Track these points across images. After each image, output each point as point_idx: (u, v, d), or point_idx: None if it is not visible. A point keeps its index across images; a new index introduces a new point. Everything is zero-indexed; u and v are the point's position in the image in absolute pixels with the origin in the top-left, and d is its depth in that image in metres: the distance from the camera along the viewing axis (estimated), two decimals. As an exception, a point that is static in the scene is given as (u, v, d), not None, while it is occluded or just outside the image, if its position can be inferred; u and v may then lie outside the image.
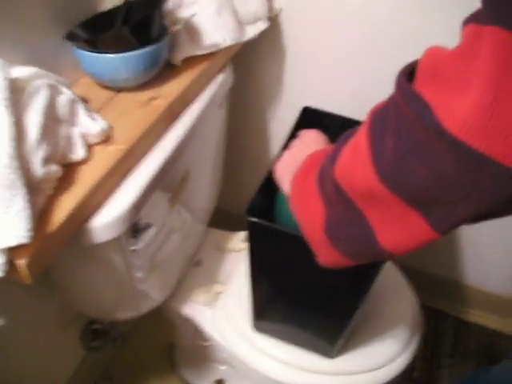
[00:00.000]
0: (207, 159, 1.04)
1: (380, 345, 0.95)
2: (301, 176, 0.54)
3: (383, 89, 1.08)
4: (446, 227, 0.39)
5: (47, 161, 0.61)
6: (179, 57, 0.85)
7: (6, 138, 0.55)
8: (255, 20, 0.98)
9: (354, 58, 1.08)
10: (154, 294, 0.95)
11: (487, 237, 1.30)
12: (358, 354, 0.94)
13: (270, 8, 1.03)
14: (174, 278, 1.02)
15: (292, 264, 0.74)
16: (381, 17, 1.00)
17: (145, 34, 0.78)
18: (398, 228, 0.41)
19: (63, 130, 0.66)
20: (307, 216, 0.52)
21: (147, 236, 0.77)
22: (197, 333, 1.06)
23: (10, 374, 0.97)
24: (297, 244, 0.61)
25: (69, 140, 0.67)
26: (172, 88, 0.83)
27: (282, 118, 1.26)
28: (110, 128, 0.73)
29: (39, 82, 0.65)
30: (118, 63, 0.76)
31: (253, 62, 1.18)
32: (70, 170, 0.66)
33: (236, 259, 1.11)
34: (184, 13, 0.87)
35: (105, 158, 0.69)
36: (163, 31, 0.81)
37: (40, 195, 0.60)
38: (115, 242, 0.70)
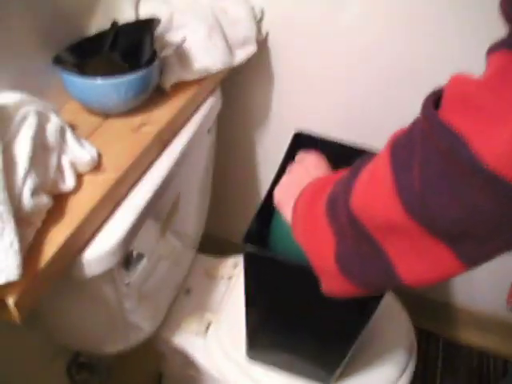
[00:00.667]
0: (196, 184, 1.02)
1: (379, 370, 0.93)
2: (305, 203, 0.52)
3: (374, 112, 1.09)
4: (477, 261, 0.38)
5: (36, 192, 0.58)
6: (169, 81, 0.84)
7: (-6, 169, 0.53)
8: (244, 43, 0.97)
9: (344, 81, 1.07)
10: (143, 324, 0.91)
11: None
12: (357, 381, 0.91)
13: (259, 31, 1.03)
14: (163, 308, 0.98)
15: (290, 292, 0.72)
16: (368, 41, 1.00)
17: (135, 59, 0.76)
18: (421, 261, 0.39)
19: (52, 159, 0.64)
20: (315, 246, 0.50)
21: (139, 267, 0.74)
22: (187, 363, 1.02)
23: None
24: (294, 273, 0.59)
25: (58, 169, 0.64)
26: (162, 114, 0.81)
27: (272, 142, 1.25)
28: (100, 156, 0.70)
29: (27, 109, 0.62)
30: (107, 88, 0.74)
31: (242, 86, 1.17)
32: (59, 200, 0.63)
33: (226, 286, 1.08)
34: (174, 36, 0.86)
35: (95, 187, 0.66)
36: (153, 56, 0.79)
37: (29, 228, 0.57)
38: (107, 274, 0.67)
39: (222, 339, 0.96)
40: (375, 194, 0.40)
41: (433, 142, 0.35)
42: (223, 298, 1.05)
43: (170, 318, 1.01)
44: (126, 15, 0.83)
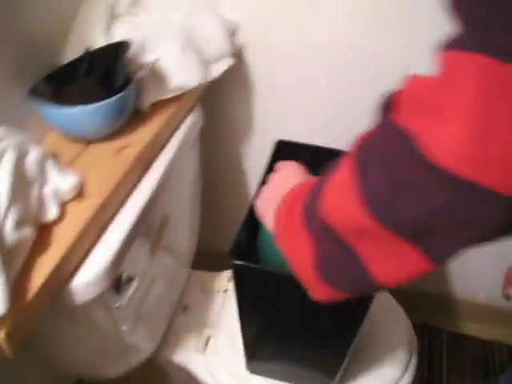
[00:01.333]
0: (184, 201, 1.03)
1: (381, 370, 0.93)
2: (285, 211, 0.53)
3: (353, 120, 1.10)
4: (444, 257, 0.38)
5: (19, 224, 0.59)
6: (147, 102, 0.84)
7: (-26, 206, 0.53)
8: (220, 58, 0.98)
9: (321, 91, 1.09)
10: (142, 346, 0.92)
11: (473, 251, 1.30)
12: (359, 383, 0.92)
13: (234, 44, 1.04)
14: (161, 327, 0.99)
15: (281, 302, 0.73)
16: (344, 53, 1.01)
17: (109, 84, 0.77)
18: (392, 261, 0.40)
19: (33, 191, 0.64)
20: (296, 253, 0.50)
21: (131, 289, 0.75)
22: (190, 379, 1.02)
23: None
24: (284, 283, 0.60)
25: (40, 200, 0.65)
26: (142, 135, 0.82)
27: (256, 152, 1.25)
28: (82, 182, 0.71)
29: (5, 143, 0.63)
30: (83, 116, 0.74)
31: (222, 99, 1.18)
32: (44, 230, 0.64)
33: (223, 300, 1.08)
34: (148, 57, 0.87)
35: (79, 214, 0.67)
36: (128, 79, 0.80)
37: (15, 261, 0.58)
38: (98, 299, 0.67)
39: (221, 354, 0.96)
40: (342, 199, 0.41)
41: (389, 144, 0.36)
42: (221, 311, 1.05)
43: (168, 337, 1.01)
44: (99, 41, 0.84)
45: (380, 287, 0.43)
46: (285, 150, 0.85)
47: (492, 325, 1.49)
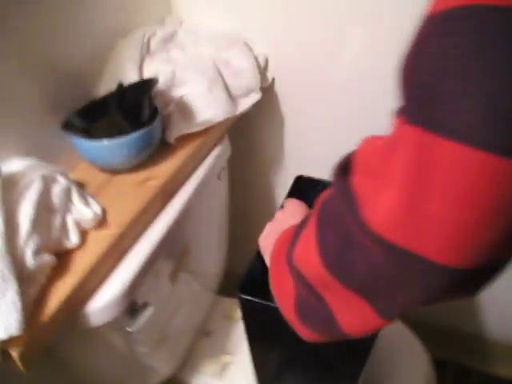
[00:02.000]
0: (210, 230, 1.06)
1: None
2: (274, 254, 0.55)
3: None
4: (392, 315, 0.39)
5: (39, 251, 0.64)
6: (173, 135, 0.89)
7: (-3, 234, 0.58)
8: (248, 92, 1.01)
9: (349, 124, 1.10)
10: (161, 368, 0.95)
11: (508, 293, 1.27)
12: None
13: (263, 79, 1.07)
14: (182, 351, 1.02)
15: (286, 336, 0.74)
16: (372, 87, 1.02)
17: (136, 119, 0.81)
18: (353, 314, 0.41)
19: (57, 219, 0.69)
20: (281, 294, 0.52)
21: (145, 315, 0.78)
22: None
23: None
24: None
25: (63, 228, 0.69)
26: (166, 167, 0.86)
27: (283, 184, 1.28)
28: (104, 212, 0.75)
29: (33, 174, 0.68)
30: (111, 149, 0.79)
31: (252, 130, 1.21)
32: (64, 257, 0.68)
33: (245, 327, 1.10)
34: (176, 92, 0.91)
35: (98, 243, 0.71)
36: (155, 113, 0.84)
37: (33, 285, 0.62)
38: (112, 323, 0.71)
39: (236, 381, 0.98)
40: (308, 251, 0.43)
41: (338, 205, 0.37)
42: (242, 339, 1.06)
43: (189, 360, 1.04)
44: (131, 77, 0.89)
45: (346, 335, 0.44)
46: (304, 186, 0.87)
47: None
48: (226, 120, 0.97)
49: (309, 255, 0.42)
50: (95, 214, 0.73)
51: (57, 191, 0.71)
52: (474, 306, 1.38)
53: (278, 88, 1.12)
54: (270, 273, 0.56)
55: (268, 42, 1.08)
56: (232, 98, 0.97)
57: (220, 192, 1.05)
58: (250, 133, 1.22)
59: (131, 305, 0.75)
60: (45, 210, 0.68)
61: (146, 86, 0.84)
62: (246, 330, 0.77)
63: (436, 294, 0.35)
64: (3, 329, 0.56)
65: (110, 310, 0.69)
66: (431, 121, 0.29)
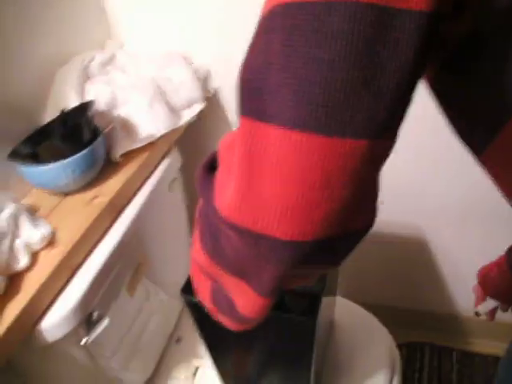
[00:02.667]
0: (168, 240, 1.09)
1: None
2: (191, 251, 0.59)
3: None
4: (267, 292, 0.42)
5: (-12, 275, 0.67)
6: (117, 153, 0.93)
7: None
8: (190, 103, 1.06)
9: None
10: (133, 377, 0.98)
11: (467, 266, 1.31)
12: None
13: (206, 90, 1.12)
14: (153, 359, 1.05)
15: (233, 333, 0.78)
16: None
17: (78, 140, 0.85)
18: (241, 295, 0.45)
19: (5, 244, 0.73)
20: (199, 289, 0.56)
21: (101, 326, 0.82)
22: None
23: None
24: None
25: (12, 252, 0.73)
26: (113, 184, 0.90)
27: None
28: (53, 232, 0.79)
29: (-22, 204, 0.72)
30: (55, 172, 0.83)
31: (205, 138, 1.26)
32: (14, 278, 0.72)
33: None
34: (118, 112, 0.95)
35: (48, 261, 0.75)
36: (95, 133, 0.88)
37: (-16, 308, 0.66)
38: (68, 337, 0.74)
39: (208, 382, 1.01)
40: (195, 245, 0.49)
41: (205, 200, 0.42)
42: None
43: (161, 367, 1.07)
44: (73, 102, 0.93)
45: (249, 319, 0.48)
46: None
47: (501, 341, 1.47)
48: (172, 132, 1.01)
49: (196, 249, 0.47)
50: (43, 234, 0.76)
51: (3, 218, 0.74)
52: (440, 286, 1.42)
53: (228, 94, 1.17)
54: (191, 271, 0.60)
55: (210, 54, 1.13)
56: (174, 111, 1.01)
57: (173, 202, 1.09)
58: (204, 140, 1.27)
59: (87, 318, 0.78)
60: (-8, 236, 0.71)
61: (83, 109, 0.88)
62: (199, 330, 0.81)
63: (293, 267, 0.38)
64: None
65: (64, 325, 0.73)
66: (258, 111, 0.33)
